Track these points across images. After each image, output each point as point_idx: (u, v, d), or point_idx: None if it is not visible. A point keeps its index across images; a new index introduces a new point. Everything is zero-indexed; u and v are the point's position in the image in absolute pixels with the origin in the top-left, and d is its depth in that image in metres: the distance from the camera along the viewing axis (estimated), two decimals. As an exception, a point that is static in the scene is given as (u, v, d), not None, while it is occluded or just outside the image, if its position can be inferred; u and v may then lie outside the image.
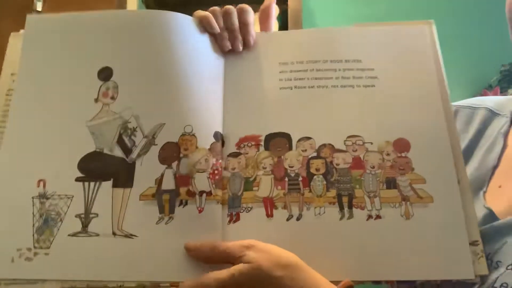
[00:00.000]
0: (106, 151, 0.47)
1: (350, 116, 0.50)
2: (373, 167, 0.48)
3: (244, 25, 0.53)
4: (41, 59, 0.51)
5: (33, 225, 0.45)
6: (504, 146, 0.53)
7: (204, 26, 0.53)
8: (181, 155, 0.47)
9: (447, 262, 0.44)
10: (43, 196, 0.45)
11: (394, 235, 0.45)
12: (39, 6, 1.68)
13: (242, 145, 0.49)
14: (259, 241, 0.43)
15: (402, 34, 0.55)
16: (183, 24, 0.52)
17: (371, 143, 0.49)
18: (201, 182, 0.47)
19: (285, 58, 0.54)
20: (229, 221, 0.46)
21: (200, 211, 0.46)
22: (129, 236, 0.44)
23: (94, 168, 0.46)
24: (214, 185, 0.47)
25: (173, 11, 0.53)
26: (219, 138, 0.49)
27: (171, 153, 0.47)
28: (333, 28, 0.56)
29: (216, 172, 0.48)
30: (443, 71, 0.52)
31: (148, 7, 1.89)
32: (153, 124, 0.48)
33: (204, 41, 0.53)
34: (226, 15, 0.53)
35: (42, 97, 0.49)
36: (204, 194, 0.46)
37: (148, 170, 0.47)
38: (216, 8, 0.54)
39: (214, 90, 0.52)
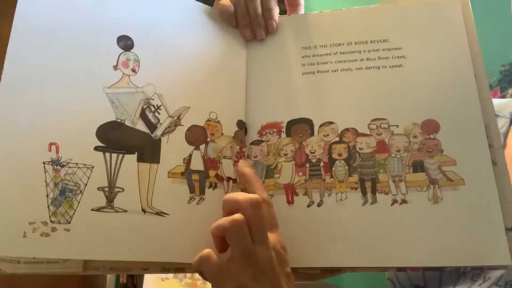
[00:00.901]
0: (127, 123, 0.44)
1: (375, 98, 0.48)
2: (399, 151, 0.46)
3: (266, 10, 0.53)
4: (56, 13, 0.44)
5: (47, 195, 0.39)
6: (504, 146, 0.53)
7: (223, 19, 0.53)
8: (208, 139, 0.47)
9: (479, 248, 0.41)
10: (56, 163, 0.40)
11: (421, 219, 0.43)
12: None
13: (264, 133, 0.49)
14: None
15: (432, 9, 0.51)
16: (205, 13, 0.52)
17: (397, 126, 0.47)
18: (227, 168, 0.48)
19: (308, 42, 0.53)
20: (251, 209, 0.46)
21: None
22: (160, 214, 0.43)
23: (115, 138, 0.43)
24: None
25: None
26: (243, 126, 0.50)
27: (198, 135, 0.47)
28: (358, 8, 0.54)
29: (240, 160, 0.49)
30: (478, 47, 0.49)
31: None
32: (177, 106, 0.47)
33: (227, 28, 0.53)
34: (249, 1, 0.52)
35: (55, 52, 0.42)
36: (231, 181, 0.47)
37: (175, 148, 0.45)
38: None
39: (237, 78, 0.52)
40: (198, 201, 0.45)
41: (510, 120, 0.58)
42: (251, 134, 0.50)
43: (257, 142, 0.49)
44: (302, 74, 0.51)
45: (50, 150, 0.40)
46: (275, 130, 0.49)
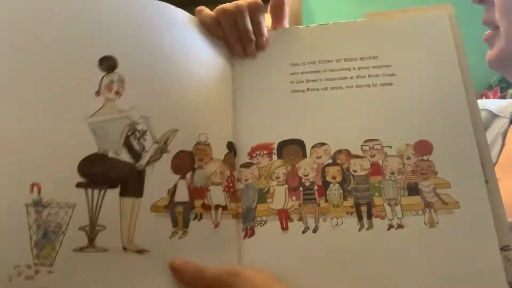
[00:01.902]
0: (111, 154, 0.42)
1: (367, 118, 0.48)
2: (393, 173, 0.45)
3: (256, 24, 0.50)
4: (26, 40, 0.42)
5: (31, 238, 0.38)
6: (503, 144, 0.55)
7: (207, 29, 0.50)
8: (196, 165, 0.45)
9: (476, 272, 0.41)
10: (38, 204, 0.39)
11: (418, 245, 0.42)
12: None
13: (254, 155, 0.48)
14: (245, 269, 0.42)
15: (419, 24, 0.51)
16: (188, 24, 0.50)
17: (390, 147, 0.46)
18: (217, 195, 0.45)
19: (297, 58, 0.51)
20: (244, 236, 0.45)
21: (215, 226, 0.44)
22: (141, 251, 0.41)
23: (98, 172, 0.41)
24: (229, 199, 0.46)
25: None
26: (232, 148, 0.48)
27: (185, 163, 0.45)
28: (346, 22, 0.53)
29: (231, 185, 0.47)
30: (466, 61, 0.49)
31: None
32: (164, 129, 0.44)
33: (211, 42, 0.51)
34: (238, 15, 0.49)
35: (30, 86, 0.41)
36: (220, 209, 0.45)
37: (160, 179, 0.43)
38: (225, 7, 0.50)
39: (223, 96, 0.50)
40: (181, 235, 0.43)
41: (510, 120, 0.59)
42: (241, 156, 0.48)
43: (247, 165, 0.48)
44: (291, 92, 0.50)
45: (32, 192, 0.39)
46: (265, 152, 0.48)
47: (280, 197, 0.46)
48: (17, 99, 0.40)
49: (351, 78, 0.49)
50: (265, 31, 0.51)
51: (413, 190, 0.44)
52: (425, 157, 0.45)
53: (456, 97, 0.47)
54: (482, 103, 0.65)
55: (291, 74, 0.51)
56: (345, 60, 0.50)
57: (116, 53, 0.43)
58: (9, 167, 0.39)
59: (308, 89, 0.50)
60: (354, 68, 0.50)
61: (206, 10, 0.51)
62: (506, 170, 0.44)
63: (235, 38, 0.50)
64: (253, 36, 0.50)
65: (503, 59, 0.54)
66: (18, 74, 0.41)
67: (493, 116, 0.61)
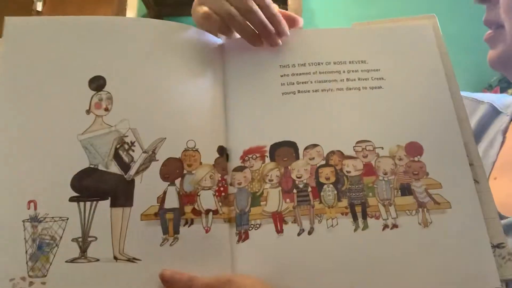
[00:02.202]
0: (101, 167, 0.44)
1: (358, 120, 0.48)
2: (386, 173, 0.45)
3: (271, 17, 0.49)
4: (24, 66, 0.46)
5: (26, 252, 0.41)
6: (503, 142, 0.55)
7: (204, 27, 0.50)
8: (185, 171, 0.45)
9: (470, 270, 0.41)
10: (34, 219, 0.41)
11: (413, 245, 0.43)
12: (39, 6, 1.67)
13: (246, 158, 0.47)
14: (236, 276, 0.42)
15: (405, 32, 0.52)
16: (178, 32, 0.50)
17: (382, 148, 0.46)
18: (207, 200, 0.45)
19: (286, 60, 0.51)
20: (238, 240, 0.44)
21: (207, 231, 0.44)
22: (132, 260, 0.41)
23: (89, 186, 0.43)
24: (220, 203, 0.45)
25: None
26: (223, 152, 0.47)
27: (174, 169, 0.45)
28: (334, 28, 0.53)
29: (222, 189, 0.46)
30: (451, 68, 0.50)
31: (147, 6, 1.88)
32: (152, 139, 0.45)
33: (201, 48, 0.51)
34: (247, 16, 0.48)
35: (25, 109, 0.44)
36: (211, 213, 0.44)
37: (149, 187, 0.44)
38: (232, 13, 0.48)
39: (214, 101, 0.49)
40: (172, 242, 0.42)
41: (510, 117, 0.58)
42: (233, 160, 0.47)
43: (240, 169, 0.47)
44: (283, 94, 0.50)
45: (29, 208, 0.41)
46: (258, 155, 0.47)
47: (274, 200, 0.45)
48: (13, 120, 0.44)
49: (341, 80, 0.50)
50: (281, 18, 0.50)
51: (406, 190, 0.45)
52: (416, 158, 0.46)
53: (442, 101, 0.48)
54: (485, 96, 0.64)
55: (281, 76, 0.50)
56: (334, 63, 0.51)
57: (104, 72, 0.46)
58: (7, 185, 0.42)
59: (299, 91, 0.50)
60: (344, 71, 0.50)
61: (213, 17, 0.50)
62: (505, 170, 0.44)
63: (249, 33, 0.50)
64: (272, 27, 0.49)
65: (507, 59, 0.53)
66: (14, 96, 0.44)
67: (496, 111, 0.60)
